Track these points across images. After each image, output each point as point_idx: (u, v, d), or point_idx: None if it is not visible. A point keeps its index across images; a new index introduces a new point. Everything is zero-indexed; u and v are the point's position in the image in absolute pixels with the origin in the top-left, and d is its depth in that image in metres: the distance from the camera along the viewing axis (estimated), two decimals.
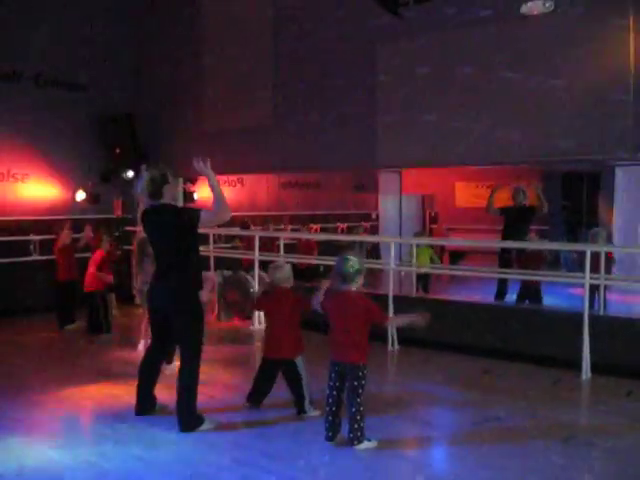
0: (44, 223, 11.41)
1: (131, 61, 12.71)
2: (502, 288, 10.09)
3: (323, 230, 15.09)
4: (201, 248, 10.26)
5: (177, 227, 5.73)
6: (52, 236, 10.72)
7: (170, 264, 5.79)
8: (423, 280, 11.11)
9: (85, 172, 12.08)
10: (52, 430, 5.84)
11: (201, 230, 5.95)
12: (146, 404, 6.10)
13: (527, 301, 9.53)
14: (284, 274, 6.29)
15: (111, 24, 12.45)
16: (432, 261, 11.04)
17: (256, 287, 10.10)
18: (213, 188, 5.69)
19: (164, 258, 5.86)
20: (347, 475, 4.84)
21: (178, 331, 5.84)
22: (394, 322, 5.20)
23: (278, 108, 10.70)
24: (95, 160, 12.19)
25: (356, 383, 5.24)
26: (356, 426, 5.22)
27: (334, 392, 5.35)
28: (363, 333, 5.28)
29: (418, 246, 10.52)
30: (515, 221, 10.15)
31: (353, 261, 5.34)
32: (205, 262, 11.07)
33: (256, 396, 6.25)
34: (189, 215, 5.76)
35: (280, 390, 6.20)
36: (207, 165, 5.73)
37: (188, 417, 5.70)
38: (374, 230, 16.80)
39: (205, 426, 5.71)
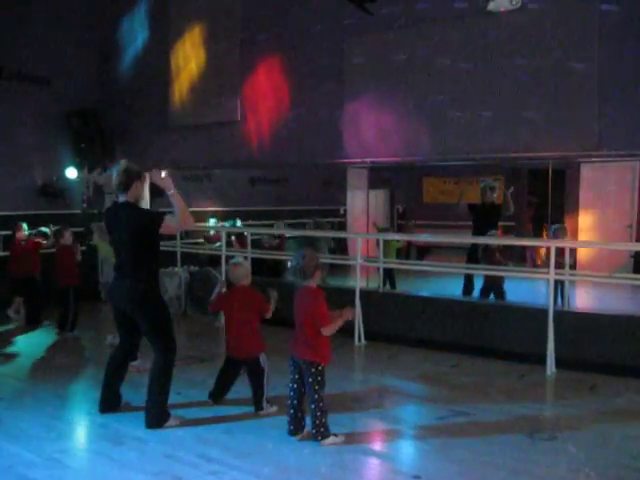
0: (7, 218, 11.23)
1: (97, 56, 12.59)
2: (468, 284, 10.16)
3: (291, 226, 15.06)
4: (168, 244, 10.33)
5: (137, 227, 5.70)
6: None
7: (127, 263, 5.78)
8: (389, 275, 11.11)
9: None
10: (15, 426, 5.76)
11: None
12: (111, 402, 6.06)
13: (491, 296, 9.60)
14: (242, 271, 6.27)
15: (77, 19, 12.32)
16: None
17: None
18: (172, 198, 5.68)
19: (122, 257, 5.85)
20: (313, 470, 4.83)
21: (143, 331, 5.85)
22: (329, 330, 5.23)
23: (244, 103, 10.65)
24: (60, 155, 12.04)
25: (311, 380, 5.23)
26: (317, 422, 5.23)
27: (294, 386, 5.37)
28: (318, 330, 5.26)
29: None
30: (483, 219, 10.23)
31: (309, 257, 5.35)
32: (172, 258, 11.03)
33: (218, 393, 6.25)
34: (151, 217, 5.76)
35: (243, 386, 6.18)
36: (164, 177, 5.76)
37: (156, 414, 5.67)
38: (341, 226, 16.84)
39: (170, 422, 5.68)
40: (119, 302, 5.85)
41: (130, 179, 5.79)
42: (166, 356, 5.72)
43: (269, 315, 6.10)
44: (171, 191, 5.68)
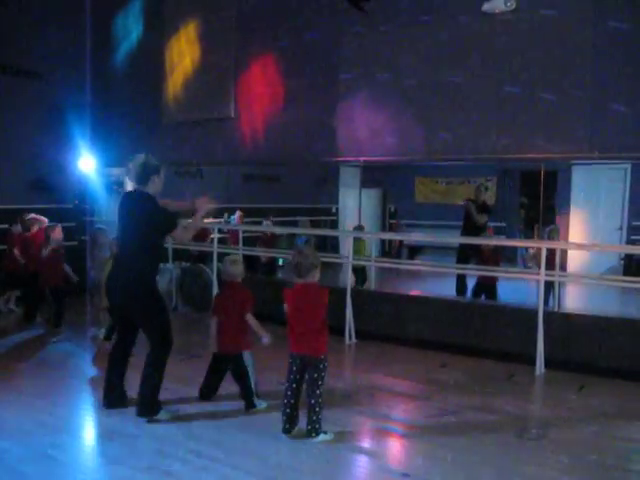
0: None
1: (92, 51, 12.56)
2: (461, 284, 10.20)
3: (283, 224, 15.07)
4: None
5: (147, 222, 5.66)
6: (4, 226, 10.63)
7: (128, 255, 5.77)
8: (361, 274, 11.00)
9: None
10: (6, 421, 5.76)
11: None
12: (115, 397, 6.01)
13: (483, 296, 9.63)
14: (237, 269, 6.27)
15: (72, 13, 12.30)
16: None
17: (214, 280, 10.07)
18: (195, 219, 5.97)
19: (124, 247, 5.85)
20: (305, 467, 4.86)
21: (139, 324, 5.85)
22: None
23: (238, 100, 10.65)
24: (53, 149, 12.01)
25: (316, 375, 5.26)
26: (314, 418, 5.25)
27: (293, 384, 5.36)
28: (323, 324, 5.29)
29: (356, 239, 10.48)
30: (474, 218, 10.29)
31: (307, 255, 5.36)
32: (164, 253, 11.02)
33: (207, 391, 6.27)
34: (165, 218, 5.71)
35: (233, 383, 6.19)
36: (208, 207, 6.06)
37: (147, 403, 5.68)
38: (333, 224, 16.88)
39: (161, 416, 5.69)
40: (114, 294, 5.86)
41: (147, 173, 5.73)
42: (160, 349, 5.71)
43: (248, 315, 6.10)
44: (200, 214, 5.87)
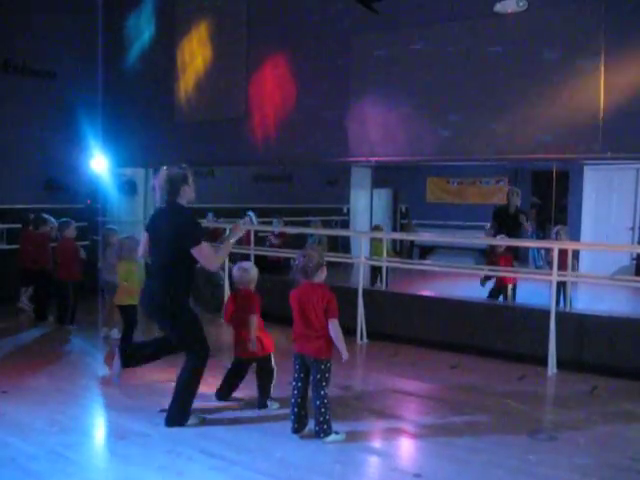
0: (12, 212, 11.25)
1: (103, 51, 12.61)
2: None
3: (294, 224, 15.06)
4: None
5: (174, 235, 5.52)
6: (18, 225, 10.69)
7: (156, 266, 5.67)
8: (379, 273, 10.99)
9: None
10: (18, 419, 5.77)
11: None
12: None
13: (500, 298, 9.57)
14: (250, 276, 6.25)
15: (84, 12, 12.35)
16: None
17: (225, 280, 10.08)
18: (227, 243, 5.81)
19: (154, 258, 5.75)
20: (315, 467, 4.84)
21: (170, 335, 5.77)
22: (337, 330, 5.22)
23: (250, 100, 10.66)
24: (65, 149, 12.06)
25: (319, 376, 5.25)
26: (321, 419, 5.24)
27: (299, 384, 5.37)
28: (326, 325, 5.26)
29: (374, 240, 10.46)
30: (509, 224, 10.17)
31: (312, 256, 5.35)
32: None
33: (224, 393, 6.26)
34: (189, 233, 5.51)
35: (246, 384, 6.22)
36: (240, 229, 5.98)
37: (175, 414, 5.60)
38: (344, 224, 16.86)
39: (191, 422, 5.63)
40: (142, 305, 5.83)
41: (176, 187, 5.58)
42: (193, 363, 5.63)
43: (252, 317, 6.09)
44: (232, 240, 5.77)
